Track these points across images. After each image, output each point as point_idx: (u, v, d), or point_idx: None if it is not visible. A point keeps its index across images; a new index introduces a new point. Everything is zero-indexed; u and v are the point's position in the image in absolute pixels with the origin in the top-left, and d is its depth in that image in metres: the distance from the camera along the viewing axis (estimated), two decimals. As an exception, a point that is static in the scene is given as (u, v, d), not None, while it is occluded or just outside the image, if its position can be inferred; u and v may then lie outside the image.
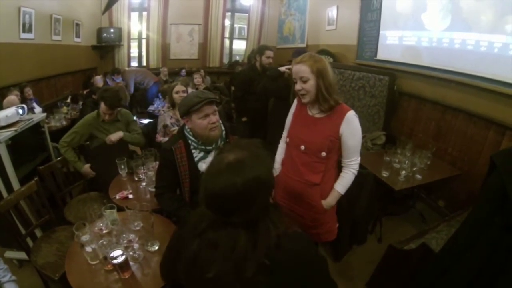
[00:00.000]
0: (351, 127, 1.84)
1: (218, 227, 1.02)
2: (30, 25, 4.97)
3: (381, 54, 4.43)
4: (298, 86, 1.86)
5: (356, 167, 1.95)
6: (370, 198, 2.82)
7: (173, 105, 3.24)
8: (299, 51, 4.13)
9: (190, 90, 4.20)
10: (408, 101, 3.94)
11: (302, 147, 1.96)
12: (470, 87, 3.09)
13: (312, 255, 1.10)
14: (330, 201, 1.99)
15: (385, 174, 2.94)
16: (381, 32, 4.39)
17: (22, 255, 2.50)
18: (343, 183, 1.97)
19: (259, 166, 1.00)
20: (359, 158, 1.95)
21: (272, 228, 1.00)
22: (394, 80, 3.88)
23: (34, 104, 4.55)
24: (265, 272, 0.96)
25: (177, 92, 3.18)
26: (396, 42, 4.12)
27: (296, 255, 1.03)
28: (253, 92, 4.09)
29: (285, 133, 2.18)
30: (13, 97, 3.83)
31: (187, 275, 1.13)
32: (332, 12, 5.72)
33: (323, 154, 1.89)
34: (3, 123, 2.60)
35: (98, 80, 6.15)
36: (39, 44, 5.31)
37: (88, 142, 3.20)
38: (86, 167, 3.06)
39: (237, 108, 4.77)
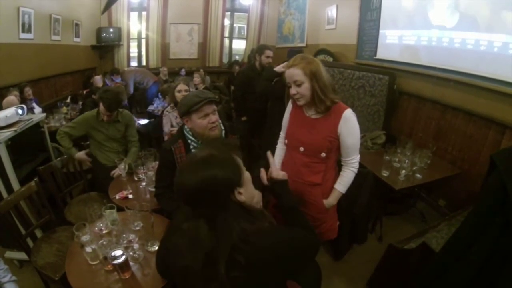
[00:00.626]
0: (349, 126, 1.83)
1: (189, 219, 1.14)
2: (30, 25, 4.95)
3: (381, 54, 4.43)
4: (293, 90, 1.83)
5: (356, 165, 1.95)
6: (370, 197, 2.82)
7: (175, 104, 3.22)
8: (294, 51, 4.13)
9: (191, 89, 4.20)
10: (408, 100, 3.94)
11: (301, 149, 1.95)
12: (470, 86, 3.09)
13: (286, 250, 1.15)
14: (331, 200, 1.99)
15: (385, 173, 2.94)
16: (380, 31, 4.39)
17: (22, 255, 2.50)
18: (344, 182, 1.97)
19: (220, 167, 1.10)
20: (359, 156, 1.95)
21: (235, 224, 1.08)
22: (394, 80, 3.88)
23: (34, 104, 4.55)
24: (240, 269, 1.02)
25: (179, 91, 3.16)
26: (396, 41, 4.12)
27: (269, 251, 1.09)
28: (253, 92, 4.09)
29: (282, 134, 2.17)
30: (12, 97, 3.82)
31: (171, 265, 1.23)
32: (332, 12, 5.73)
33: (323, 154, 1.88)
34: (2, 124, 2.61)
35: (98, 80, 6.14)
36: (39, 44, 5.30)
37: (88, 142, 3.19)
38: (80, 154, 3.04)
39: (236, 107, 4.76)
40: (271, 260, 1.09)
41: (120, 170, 2.75)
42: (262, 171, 1.54)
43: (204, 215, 1.09)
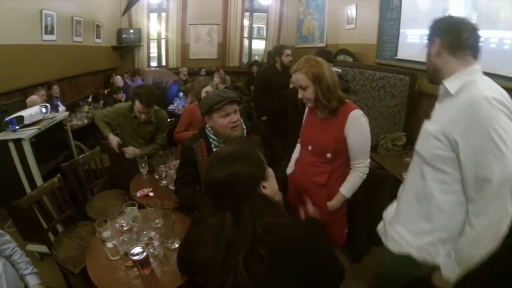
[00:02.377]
0: (356, 128, 1.79)
1: (214, 214, 1.17)
2: (52, 27, 5.09)
3: (402, 53, 4.35)
4: (299, 94, 1.84)
5: (364, 170, 1.91)
6: (390, 199, 2.77)
7: (199, 100, 3.19)
8: (320, 51, 4.14)
9: (209, 88, 4.21)
10: (429, 101, 3.85)
11: (310, 147, 1.95)
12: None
13: (308, 243, 1.17)
14: (334, 203, 1.96)
15: (405, 175, 2.87)
16: (401, 30, 4.30)
17: (43, 248, 2.57)
18: (349, 185, 1.93)
19: (245, 162, 1.16)
20: (368, 160, 1.91)
21: (258, 216, 1.11)
22: (415, 80, 3.80)
23: (59, 103, 4.66)
24: (262, 261, 1.07)
25: (207, 92, 3.11)
26: (417, 41, 4.04)
27: (291, 243, 1.13)
28: (272, 92, 4.12)
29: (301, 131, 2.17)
30: (35, 96, 3.91)
31: (192, 256, 1.26)
32: (351, 11, 5.66)
33: (328, 155, 1.86)
34: (27, 121, 2.67)
35: (118, 79, 6.26)
36: (61, 45, 5.44)
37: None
38: (113, 136, 3.04)
39: (256, 107, 4.77)
40: (292, 254, 1.11)
41: (141, 169, 2.78)
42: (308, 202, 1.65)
43: (230, 207, 1.12)
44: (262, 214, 1.12)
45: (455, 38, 1.33)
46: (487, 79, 1.35)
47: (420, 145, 1.53)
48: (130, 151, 2.96)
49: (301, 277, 1.14)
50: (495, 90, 1.27)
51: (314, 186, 1.97)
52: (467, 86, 1.28)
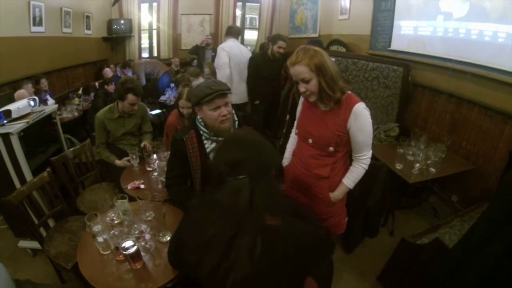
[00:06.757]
0: (360, 121, 1.74)
1: (225, 189, 1.14)
2: (41, 19, 4.99)
3: (395, 44, 4.35)
4: (301, 88, 1.75)
5: (367, 161, 1.88)
6: (384, 190, 2.78)
7: (181, 115, 3.08)
8: (313, 42, 4.22)
9: (202, 79, 4.22)
10: (422, 92, 3.87)
11: (310, 141, 1.91)
12: (487, 80, 3.00)
13: (309, 240, 1.21)
14: (337, 194, 1.94)
15: (398, 166, 2.89)
16: (395, 22, 4.30)
17: (35, 244, 2.55)
18: (352, 177, 1.91)
19: (258, 150, 1.19)
20: (371, 152, 1.88)
21: (267, 198, 1.10)
22: (409, 71, 3.80)
23: (48, 96, 4.60)
24: (263, 252, 1.05)
25: (182, 108, 3.01)
26: (411, 32, 4.03)
27: (293, 241, 1.13)
28: (262, 77, 4.43)
29: (296, 123, 2.13)
30: (23, 90, 3.88)
31: (189, 243, 1.22)
32: (345, 1, 5.61)
33: (331, 148, 1.83)
34: (15, 115, 2.62)
35: (108, 71, 6.24)
36: (50, 37, 5.35)
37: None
38: (118, 162, 2.93)
39: (249, 91, 4.80)
40: (294, 250, 1.12)
41: (132, 160, 2.75)
42: None
43: (250, 177, 1.11)
44: (271, 203, 1.13)
45: (229, 32, 4.35)
46: (232, 43, 4.36)
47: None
48: (148, 149, 2.89)
49: (300, 273, 1.14)
50: (233, 45, 4.36)
51: (315, 179, 1.95)
52: (227, 45, 4.31)
